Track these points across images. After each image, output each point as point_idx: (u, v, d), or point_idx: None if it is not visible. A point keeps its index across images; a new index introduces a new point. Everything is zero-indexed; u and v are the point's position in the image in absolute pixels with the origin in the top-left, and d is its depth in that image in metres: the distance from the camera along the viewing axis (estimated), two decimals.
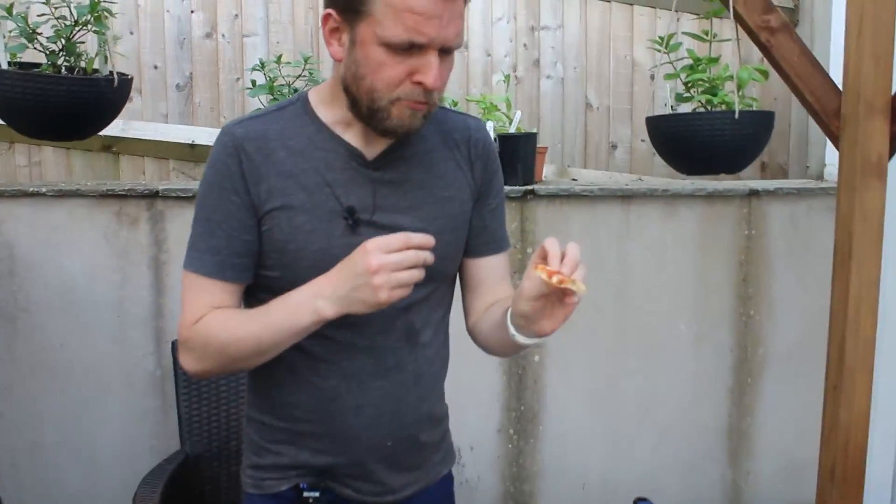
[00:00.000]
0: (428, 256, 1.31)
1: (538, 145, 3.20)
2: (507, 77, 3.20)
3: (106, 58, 2.01)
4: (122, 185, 2.86)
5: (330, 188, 1.46)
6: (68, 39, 1.95)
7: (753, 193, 3.14)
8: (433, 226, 1.51)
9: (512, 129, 3.08)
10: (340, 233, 1.46)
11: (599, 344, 3.11)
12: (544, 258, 1.31)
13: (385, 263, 1.27)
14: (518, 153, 3.00)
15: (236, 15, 3.50)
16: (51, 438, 2.87)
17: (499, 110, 3.13)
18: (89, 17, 1.95)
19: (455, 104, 3.12)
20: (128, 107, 3.39)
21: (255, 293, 1.52)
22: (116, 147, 3.44)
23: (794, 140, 3.90)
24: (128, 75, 2.08)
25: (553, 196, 2.99)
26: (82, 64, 1.99)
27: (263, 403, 1.61)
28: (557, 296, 1.32)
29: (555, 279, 1.27)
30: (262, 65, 2.82)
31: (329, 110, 1.50)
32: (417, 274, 1.30)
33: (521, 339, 1.42)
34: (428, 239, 1.31)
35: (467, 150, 1.60)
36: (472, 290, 1.67)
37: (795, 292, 3.18)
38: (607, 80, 3.77)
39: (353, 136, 1.49)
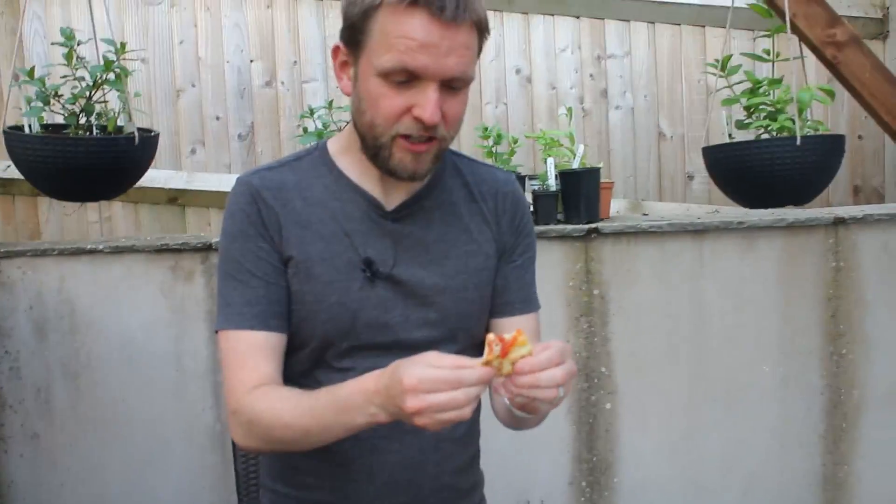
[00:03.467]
0: (479, 385, 1.13)
1: (604, 180, 3.05)
2: (570, 110, 3.07)
3: (129, 115, 1.98)
4: (177, 240, 2.85)
5: (349, 238, 1.40)
6: (88, 99, 1.93)
7: (840, 222, 2.89)
8: (455, 281, 1.45)
9: (575, 164, 2.94)
10: (359, 286, 1.39)
11: (675, 389, 2.91)
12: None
13: (425, 408, 1.11)
14: (580, 190, 2.86)
15: (295, 62, 3.50)
16: (114, 492, 2.85)
17: (561, 145, 3.00)
18: (106, 76, 1.92)
19: (515, 141, 3.01)
20: (192, 159, 3.49)
21: None
22: (182, 199, 3.47)
23: (891, 161, 3.63)
24: (151, 132, 2.05)
25: (619, 234, 2.83)
26: (104, 123, 1.97)
27: (276, 469, 1.55)
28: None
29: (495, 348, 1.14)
30: (312, 112, 2.78)
31: (346, 158, 1.45)
32: (468, 412, 1.13)
33: (519, 414, 1.31)
34: (484, 376, 1.14)
35: (494, 203, 1.53)
36: None
37: (892, 328, 2.92)
38: (680, 108, 3.60)
39: (372, 186, 1.43)
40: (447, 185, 1.48)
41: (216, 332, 1.42)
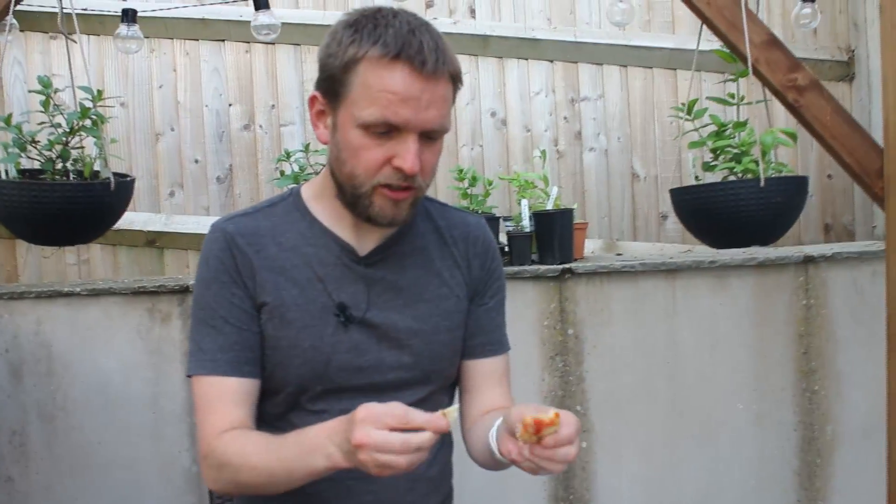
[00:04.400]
0: (426, 440, 1.15)
1: (578, 220, 3.10)
2: (544, 153, 3.12)
3: (105, 161, 2.01)
4: (154, 282, 2.86)
5: (322, 284, 1.43)
6: (64, 146, 1.96)
7: (809, 260, 2.95)
8: (428, 324, 1.47)
9: (550, 206, 2.98)
10: (332, 330, 1.41)
11: (651, 427, 2.93)
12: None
13: (367, 443, 1.13)
14: (554, 231, 2.89)
15: (273, 105, 3.54)
16: None
17: (535, 187, 3.05)
18: (83, 123, 1.96)
19: (490, 183, 3.05)
20: (171, 201, 3.51)
21: None
22: (160, 242, 3.48)
23: (860, 199, 3.70)
24: (127, 177, 2.08)
25: (592, 274, 2.87)
26: (81, 168, 2.00)
27: None
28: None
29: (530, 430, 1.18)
30: (289, 155, 2.82)
31: (320, 204, 1.48)
32: (409, 461, 1.15)
33: (493, 445, 1.32)
34: (432, 421, 1.16)
35: (465, 247, 1.55)
36: (468, 393, 1.58)
37: (864, 364, 2.95)
38: (653, 149, 3.66)
39: (345, 231, 1.46)
40: (419, 229, 1.51)
41: (188, 376, 1.43)
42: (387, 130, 1.29)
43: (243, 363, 1.40)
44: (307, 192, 1.50)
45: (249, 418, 1.42)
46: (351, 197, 1.36)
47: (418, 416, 1.16)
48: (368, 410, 1.16)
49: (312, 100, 1.39)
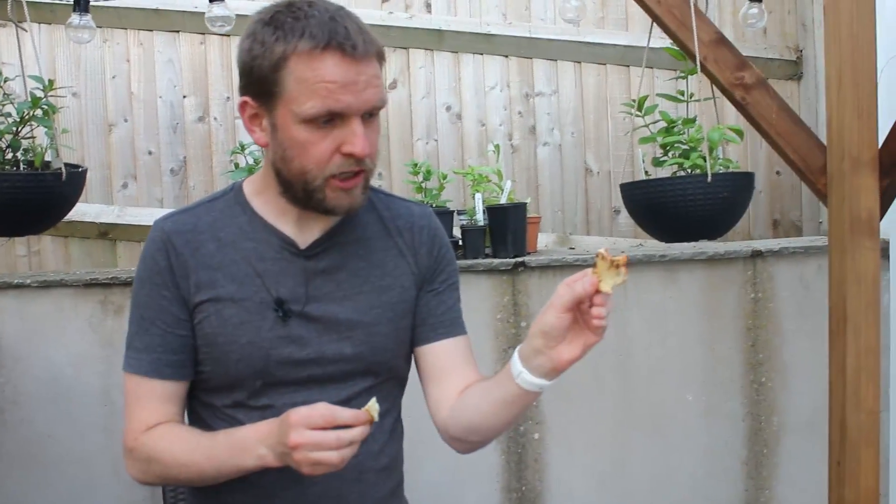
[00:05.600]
0: (357, 435, 1.23)
1: (532, 214, 3.13)
2: (497, 147, 3.14)
3: (57, 151, 1.99)
4: (106, 274, 2.83)
5: (260, 279, 1.43)
6: (14, 135, 1.94)
7: (757, 254, 3.01)
8: (369, 315, 1.48)
9: (503, 200, 3.01)
10: (270, 325, 1.42)
11: (603, 419, 2.98)
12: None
13: (303, 443, 1.21)
14: (507, 224, 2.92)
15: (228, 98, 3.52)
16: None
17: (489, 181, 3.07)
18: (34, 112, 1.94)
19: (444, 177, 3.07)
20: (123, 193, 3.48)
21: (193, 391, 1.48)
22: (113, 234, 3.45)
23: (807, 196, 3.78)
24: (79, 167, 2.07)
25: (545, 267, 2.90)
26: (31, 158, 1.98)
27: (202, 503, 1.54)
28: (583, 320, 1.28)
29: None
30: (243, 147, 2.81)
31: (261, 198, 1.48)
32: (341, 456, 1.22)
33: (530, 379, 1.33)
34: (359, 416, 1.24)
35: (411, 237, 1.55)
36: (435, 379, 1.56)
37: (810, 357, 3.02)
38: (606, 144, 3.71)
39: (286, 225, 1.46)
40: (362, 220, 1.51)
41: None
42: (330, 119, 1.30)
43: (164, 365, 1.42)
44: (249, 187, 1.50)
45: (176, 415, 1.45)
46: (303, 192, 1.36)
47: (344, 413, 1.23)
48: (298, 414, 1.23)
49: (243, 105, 1.38)
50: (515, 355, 1.35)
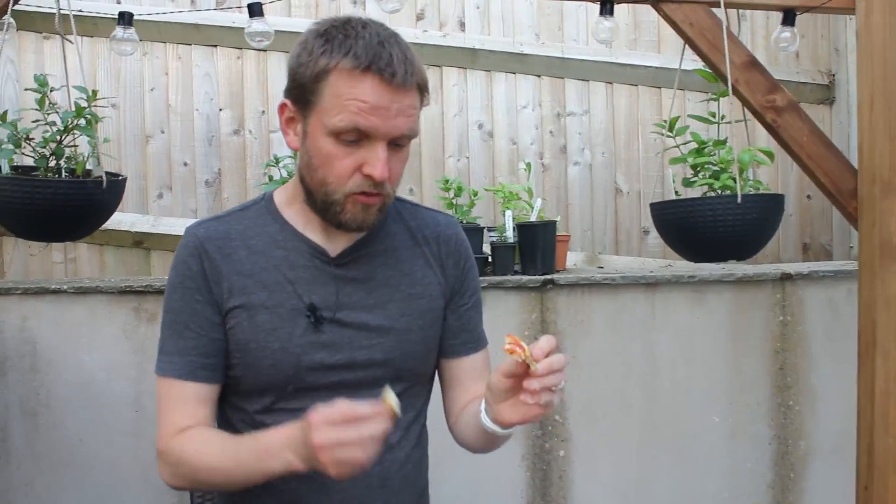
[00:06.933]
0: (379, 428, 1.23)
1: (561, 233, 3.15)
2: (529, 165, 3.17)
3: (98, 160, 2.04)
4: (141, 282, 2.88)
5: (292, 286, 1.45)
6: (58, 143, 2.00)
7: (787, 277, 3.01)
8: (399, 323, 1.50)
9: (533, 218, 3.03)
10: (302, 331, 1.44)
11: (628, 439, 2.98)
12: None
13: (327, 442, 1.20)
14: (537, 242, 2.94)
15: (263, 111, 3.58)
16: None
17: (520, 199, 3.09)
18: (77, 122, 1.99)
19: (475, 193, 3.09)
20: (158, 203, 3.54)
21: (224, 395, 1.50)
22: (147, 243, 3.51)
23: (838, 219, 3.76)
24: (119, 176, 2.11)
25: (574, 285, 2.92)
26: (73, 166, 2.03)
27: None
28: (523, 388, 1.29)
29: (508, 346, 1.26)
30: (277, 160, 2.85)
31: (292, 209, 1.51)
32: (365, 452, 1.22)
33: (486, 421, 1.39)
34: (378, 409, 1.24)
35: (437, 247, 1.58)
36: (452, 389, 1.63)
37: (838, 381, 3.00)
38: (636, 165, 3.72)
39: (315, 234, 1.48)
40: (389, 230, 1.54)
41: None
42: (356, 139, 1.32)
43: (199, 368, 1.44)
44: (279, 196, 1.53)
45: (207, 418, 1.46)
46: (322, 203, 1.40)
47: (363, 406, 1.23)
48: (319, 414, 1.22)
49: (282, 107, 1.42)
50: (483, 413, 1.41)
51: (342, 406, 1.22)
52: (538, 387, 1.26)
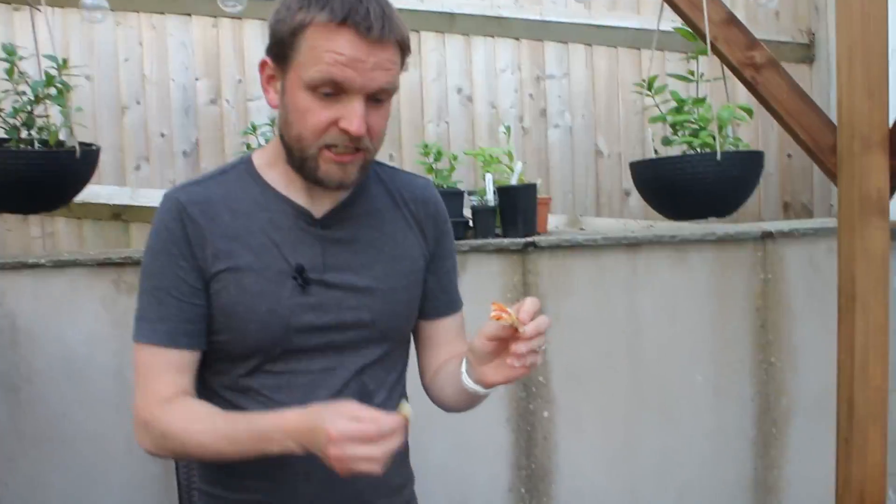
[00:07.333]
0: (396, 445, 1.24)
1: (543, 195, 3.14)
2: (508, 129, 3.15)
3: (71, 130, 2.01)
4: (120, 254, 2.86)
5: (277, 248, 1.44)
6: (29, 114, 1.96)
7: (767, 236, 3.02)
8: (385, 284, 1.50)
9: (514, 181, 3.02)
10: (290, 293, 1.43)
11: (612, 398, 3.00)
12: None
13: (344, 457, 1.22)
14: (518, 205, 2.94)
15: (240, 80, 3.54)
16: None
17: (500, 162, 3.08)
18: (48, 91, 1.96)
19: (454, 158, 3.08)
20: (136, 175, 3.50)
21: (206, 360, 1.49)
22: (126, 215, 3.48)
23: (818, 178, 3.77)
24: (93, 146, 2.08)
25: (555, 247, 2.91)
26: (46, 136, 2.00)
27: (213, 474, 1.56)
28: (510, 351, 1.30)
29: (494, 314, 1.26)
30: (255, 128, 2.82)
31: (273, 171, 1.49)
32: (381, 468, 1.24)
33: (468, 381, 1.41)
34: (399, 424, 1.25)
35: (416, 209, 1.58)
36: (428, 349, 1.65)
37: (818, 337, 3.03)
38: (617, 127, 3.71)
39: (299, 196, 1.47)
40: (372, 192, 1.53)
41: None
42: (333, 92, 1.31)
43: (181, 335, 1.42)
44: (259, 159, 1.52)
45: (188, 386, 1.45)
46: (298, 160, 1.39)
47: (384, 420, 1.24)
48: (337, 429, 1.23)
49: (263, 65, 1.41)
50: (464, 359, 1.43)
51: (364, 423, 1.23)
52: (525, 349, 1.28)
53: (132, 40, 3.51)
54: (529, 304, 1.29)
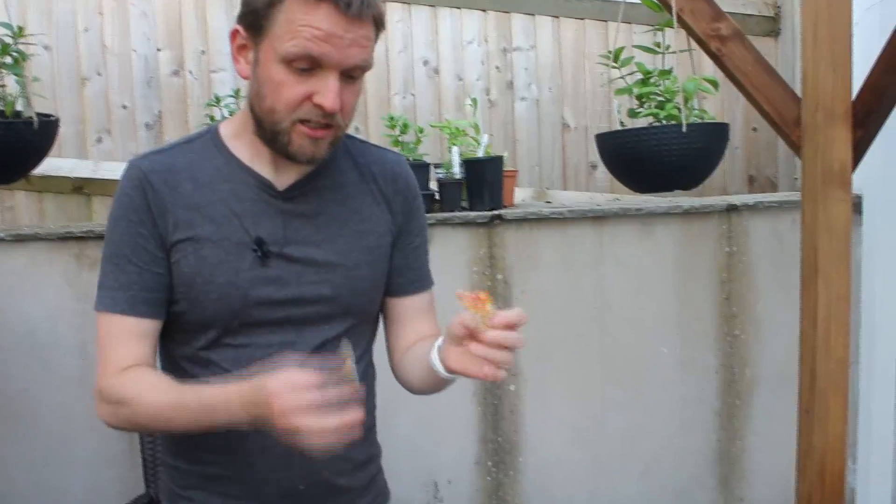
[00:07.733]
0: (349, 415, 1.21)
1: (509, 168, 3.13)
2: (475, 101, 3.13)
3: (28, 100, 1.97)
4: (81, 227, 2.82)
5: (238, 220, 1.43)
6: None
7: (732, 209, 3.03)
8: (348, 258, 1.49)
9: (480, 153, 3.01)
10: (249, 266, 1.43)
11: (578, 371, 3.01)
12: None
13: (295, 430, 1.20)
14: (484, 178, 2.93)
15: (203, 51, 3.48)
16: (19, 486, 2.81)
17: (466, 135, 3.07)
18: (3, 60, 1.91)
19: (421, 130, 3.06)
20: (98, 147, 3.44)
21: (168, 331, 1.48)
22: (88, 188, 3.43)
23: (783, 152, 3.80)
24: (51, 116, 2.03)
25: (522, 220, 2.91)
26: (2, 108, 1.95)
27: (174, 447, 1.56)
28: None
29: (468, 302, 1.23)
30: (218, 100, 2.79)
31: (239, 141, 1.48)
32: (334, 438, 1.21)
33: (435, 359, 1.38)
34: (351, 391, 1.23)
35: (385, 184, 1.57)
36: (396, 327, 1.64)
37: (782, 310, 3.06)
38: (584, 100, 3.70)
39: (263, 167, 1.46)
40: (339, 166, 1.52)
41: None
42: (308, 67, 1.30)
43: (140, 303, 1.42)
44: (226, 129, 1.51)
45: (148, 356, 1.45)
46: (270, 133, 1.38)
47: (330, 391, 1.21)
48: (283, 403, 1.20)
49: (234, 33, 1.39)
50: (437, 342, 1.40)
51: (310, 393, 1.20)
52: (481, 353, 1.25)
53: (92, 10, 3.44)
54: (514, 315, 1.26)
